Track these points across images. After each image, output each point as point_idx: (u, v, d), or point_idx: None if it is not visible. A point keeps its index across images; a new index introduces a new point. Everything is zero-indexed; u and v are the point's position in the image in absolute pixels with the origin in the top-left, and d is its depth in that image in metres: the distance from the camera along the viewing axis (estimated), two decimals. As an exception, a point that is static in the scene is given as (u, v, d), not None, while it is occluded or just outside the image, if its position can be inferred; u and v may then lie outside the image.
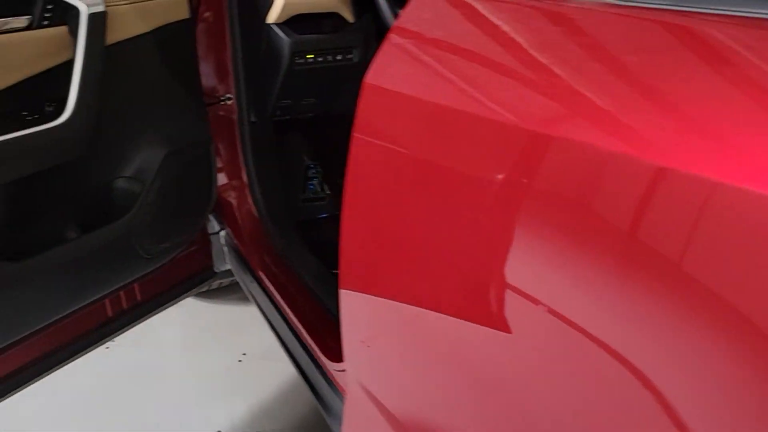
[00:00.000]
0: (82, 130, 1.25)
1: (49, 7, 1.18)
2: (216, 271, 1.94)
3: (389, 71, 0.80)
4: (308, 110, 1.82)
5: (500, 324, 0.65)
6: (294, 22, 1.58)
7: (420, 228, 0.77)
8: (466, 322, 0.71)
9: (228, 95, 1.76)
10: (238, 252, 1.88)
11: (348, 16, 1.61)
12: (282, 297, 1.64)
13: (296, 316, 1.54)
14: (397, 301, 0.85)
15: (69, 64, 1.21)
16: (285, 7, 1.54)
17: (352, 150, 0.83)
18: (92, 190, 1.41)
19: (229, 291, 2.36)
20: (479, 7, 0.78)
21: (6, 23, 1.13)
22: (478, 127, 0.69)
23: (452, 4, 0.81)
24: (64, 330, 1.44)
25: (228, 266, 1.96)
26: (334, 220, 2.13)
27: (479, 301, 0.68)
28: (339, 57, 1.64)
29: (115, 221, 1.41)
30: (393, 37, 0.81)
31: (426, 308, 0.80)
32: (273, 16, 1.55)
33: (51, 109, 1.23)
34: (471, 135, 0.70)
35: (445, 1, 0.82)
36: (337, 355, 1.39)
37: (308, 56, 1.61)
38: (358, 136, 0.82)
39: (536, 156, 0.59)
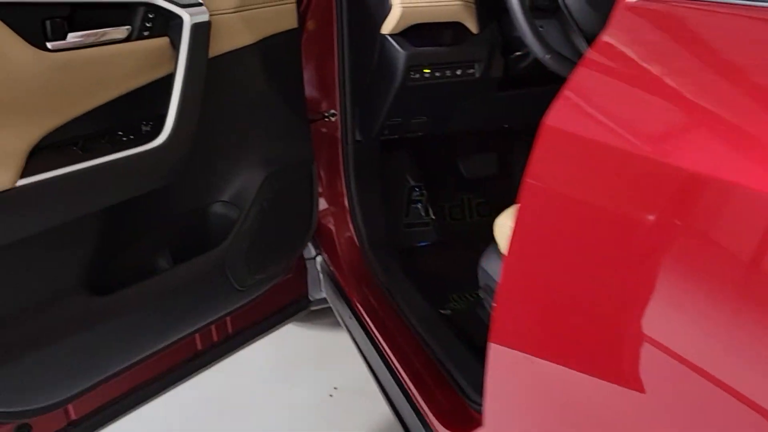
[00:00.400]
0: (181, 153, 1.12)
1: (151, 16, 1.06)
2: (311, 299, 1.80)
3: (577, 113, 0.61)
4: (418, 130, 1.65)
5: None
6: (410, 33, 1.41)
7: (602, 288, 0.65)
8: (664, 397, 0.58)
9: (332, 111, 1.61)
10: (335, 280, 1.73)
11: (472, 26, 1.42)
12: (382, 336, 1.47)
13: (399, 361, 1.37)
14: (565, 365, 0.70)
15: (168, 79, 1.09)
16: (403, 16, 1.37)
17: (523, 198, 0.67)
18: (186, 215, 1.29)
19: (321, 315, 2.22)
20: (702, 30, 0.58)
21: (104, 34, 1.01)
22: (699, 190, 0.52)
23: (664, 28, 0.61)
24: (150, 364, 1.33)
25: (323, 294, 1.82)
26: (438, 248, 1.96)
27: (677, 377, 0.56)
28: (459, 72, 1.45)
29: (210, 250, 1.28)
30: (584, 71, 0.62)
31: (604, 378, 0.66)
32: (389, 26, 1.39)
33: (148, 128, 1.11)
34: (690, 199, 0.53)
35: (655, 26, 0.62)
36: (449, 418, 1.20)
37: (425, 70, 1.43)
38: (531, 182, 0.65)
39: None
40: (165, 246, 1.26)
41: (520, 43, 1.39)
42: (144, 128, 1.11)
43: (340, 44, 1.52)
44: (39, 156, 0.95)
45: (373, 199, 1.69)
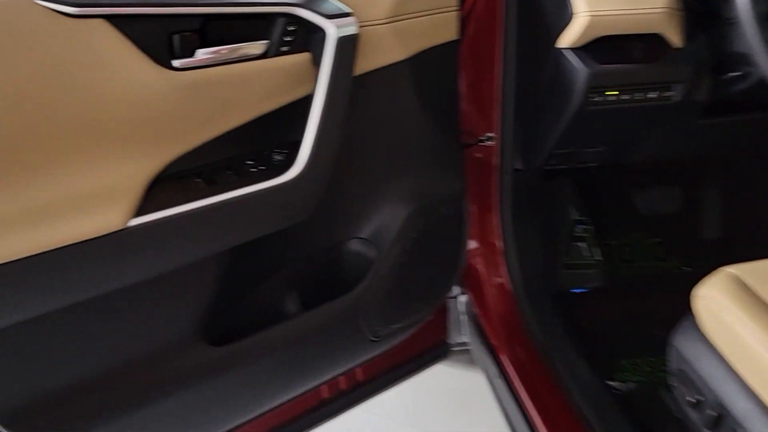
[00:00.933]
0: (318, 186, 0.96)
1: (291, 29, 0.90)
2: (450, 344, 1.59)
3: None
4: (593, 160, 1.38)
5: None
6: (594, 47, 1.15)
7: None
8: None
9: (489, 135, 1.39)
10: (480, 327, 1.51)
11: (674, 38, 1.14)
12: (535, 408, 1.23)
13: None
14: None
15: (307, 101, 0.93)
16: (589, 27, 1.12)
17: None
18: (318, 253, 1.13)
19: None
20: None
21: (239, 49, 0.87)
22: None
23: None
24: (269, 415, 1.19)
25: (465, 338, 1.61)
26: (604, 296, 1.67)
27: None
28: (653, 95, 1.17)
29: (343, 293, 1.11)
30: None
31: None
32: (568, 38, 1.14)
33: (281, 158, 0.95)
34: None
35: None
36: None
37: (609, 92, 1.17)
38: None
39: None
40: (293, 288, 1.11)
41: (741, 61, 1.09)
42: (276, 157, 0.96)
43: (505, 57, 1.30)
44: (157, 189, 0.83)
45: (530, 237, 1.45)
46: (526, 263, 1.41)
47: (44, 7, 0.70)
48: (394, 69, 1.05)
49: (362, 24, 0.97)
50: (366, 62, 1.00)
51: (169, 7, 0.79)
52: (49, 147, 0.73)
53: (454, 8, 1.14)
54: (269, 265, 1.07)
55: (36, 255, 0.73)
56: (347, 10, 0.93)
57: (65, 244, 0.74)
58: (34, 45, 0.70)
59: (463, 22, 1.36)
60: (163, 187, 0.83)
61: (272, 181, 0.91)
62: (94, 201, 0.77)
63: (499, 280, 1.41)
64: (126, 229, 0.78)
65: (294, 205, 0.95)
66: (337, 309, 1.10)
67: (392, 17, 1.02)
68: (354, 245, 1.16)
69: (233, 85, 0.87)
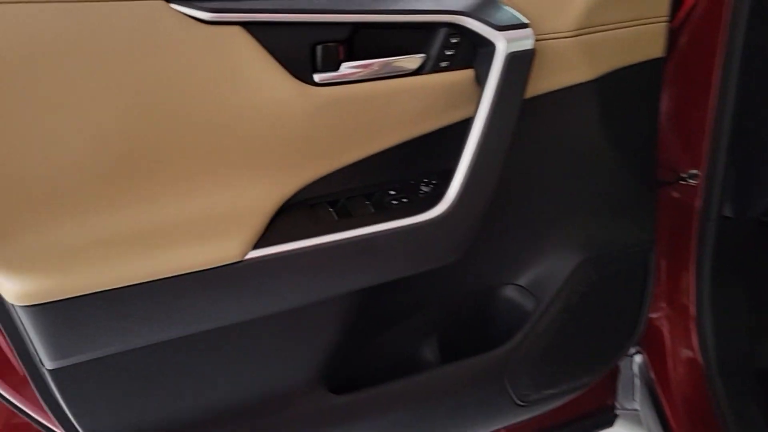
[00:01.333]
0: (469, 226, 0.82)
1: (453, 41, 0.77)
2: (617, 410, 1.35)
3: None
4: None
5: None
6: None
7: None
8: None
9: (693, 172, 1.14)
10: (656, 397, 1.26)
11: None
12: None
13: None
14: None
15: (464, 125, 0.79)
16: None
17: None
18: (464, 296, 0.99)
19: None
20: None
21: (391, 64, 0.75)
22: None
23: None
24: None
25: (636, 405, 1.36)
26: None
27: None
28: None
29: (490, 345, 0.96)
30: None
31: None
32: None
33: (428, 189, 0.82)
34: None
35: None
36: None
37: None
38: None
39: None
40: (431, 334, 0.98)
41: None
42: (423, 189, 0.83)
43: (725, 78, 1.05)
44: (283, 217, 0.74)
45: (732, 303, 1.17)
46: (723, 334, 1.14)
47: (178, 11, 0.63)
48: (575, 91, 0.87)
49: (541, 37, 0.80)
50: (541, 82, 0.84)
51: (314, 14, 0.69)
52: (172, 164, 0.66)
53: (664, 18, 0.92)
54: (405, 306, 0.94)
55: (147, 282, 0.67)
56: (523, 20, 0.77)
57: (178, 273, 0.67)
58: (165, 52, 0.64)
59: (673, 35, 1.12)
60: (289, 215, 0.74)
61: (416, 218, 0.78)
62: (214, 227, 0.69)
63: (687, 351, 1.16)
64: (245, 261, 0.70)
65: (440, 247, 0.81)
66: (480, 365, 0.95)
67: (581, 29, 0.84)
68: (508, 292, 1.00)
69: (381, 104, 0.76)
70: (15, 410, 0.83)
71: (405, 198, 0.80)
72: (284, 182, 0.73)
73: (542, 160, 0.91)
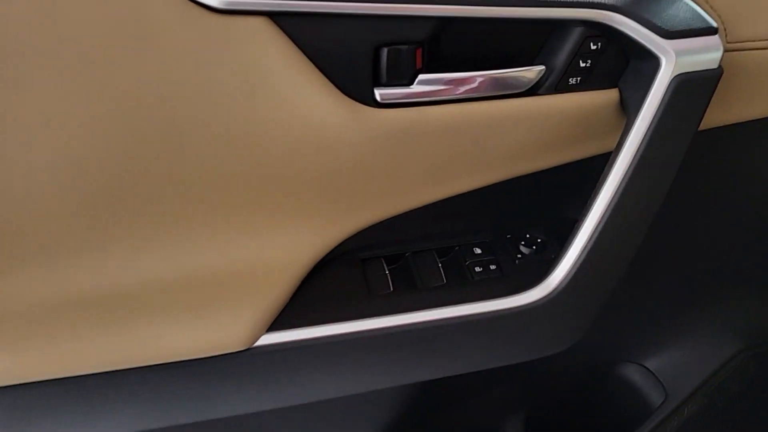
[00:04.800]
0: (591, 308, 0.58)
1: (593, 47, 0.51)
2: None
3: None
4: None
5: None
6: None
7: None
8: None
9: None
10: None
11: None
12: None
13: None
14: None
15: (593, 165, 0.55)
16: None
17: None
18: (567, 371, 0.75)
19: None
20: None
21: (494, 78, 0.51)
22: None
23: None
24: None
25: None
26: None
27: None
28: None
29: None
30: None
31: None
32: None
33: (529, 251, 0.59)
34: None
35: None
36: None
37: None
38: None
39: None
40: (516, 413, 0.76)
41: None
42: (523, 250, 0.59)
43: None
44: (319, 279, 0.54)
45: None
46: None
47: (180, -4, 0.43)
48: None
49: (732, 46, 0.52)
50: (725, 112, 0.56)
51: (379, 2, 0.45)
52: (163, 202, 0.47)
53: None
54: (481, 378, 0.73)
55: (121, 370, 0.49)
56: (711, 23, 0.49)
57: (162, 361, 0.49)
58: (159, 51, 0.43)
59: None
60: (328, 275, 0.54)
61: (509, 300, 0.55)
62: (216, 295, 0.50)
63: None
64: (254, 349, 0.51)
65: (541, 337, 0.58)
66: None
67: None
68: (627, 373, 0.75)
69: (476, 136, 0.52)
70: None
71: (494, 263, 0.57)
72: (323, 232, 0.52)
73: (708, 212, 0.64)
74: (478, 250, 0.58)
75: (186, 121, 0.45)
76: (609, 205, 0.53)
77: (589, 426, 0.75)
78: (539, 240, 0.59)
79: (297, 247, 0.51)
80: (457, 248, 0.59)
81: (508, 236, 0.60)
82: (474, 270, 0.57)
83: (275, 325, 0.51)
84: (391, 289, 0.55)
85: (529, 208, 0.61)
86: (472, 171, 0.54)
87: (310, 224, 0.51)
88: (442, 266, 0.57)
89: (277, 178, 0.49)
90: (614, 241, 0.53)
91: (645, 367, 0.74)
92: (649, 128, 0.51)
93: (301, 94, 0.46)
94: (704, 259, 0.67)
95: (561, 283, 0.54)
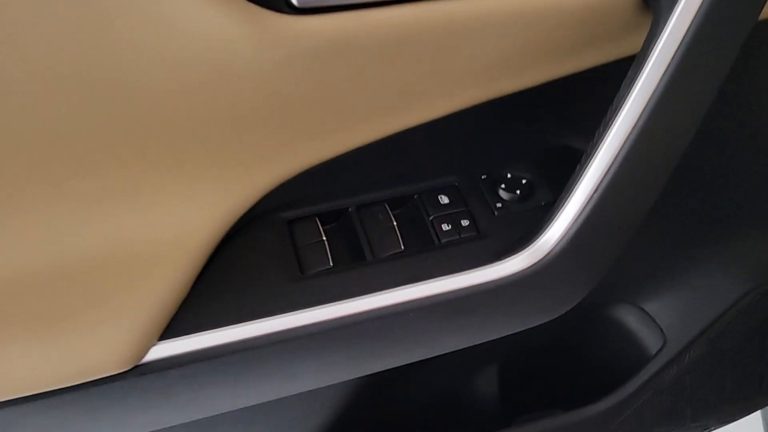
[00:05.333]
0: (600, 261, 0.45)
1: None
2: None
3: None
4: None
5: None
6: None
7: None
8: None
9: None
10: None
11: None
12: None
13: None
14: None
15: (602, 74, 0.40)
16: None
17: None
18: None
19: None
20: None
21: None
22: None
23: None
24: None
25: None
26: None
27: None
28: None
29: (591, 392, 0.64)
30: None
31: None
32: None
33: (510, 196, 0.45)
34: None
35: None
36: None
37: None
38: None
39: None
40: (489, 362, 0.65)
41: None
42: (503, 194, 0.45)
43: None
44: (229, 255, 0.40)
45: None
46: None
47: None
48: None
49: None
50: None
51: None
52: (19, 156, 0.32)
53: None
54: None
55: None
56: None
57: (23, 394, 0.36)
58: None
59: None
60: (239, 254, 0.40)
61: (492, 270, 0.42)
62: (85, 300, 0.36)
63: None
64: (141, 367, 0.37)
65: (532, 307, 0.45)
66: (580, 418, 0.62)
67: None
68: (623, 315, 0.65)
69: (437, 45, 0.37)
70: None
71: (466, 217, 0.43)
72: (229, 191, 0.38)
73: (738, 133, 0.51)
74: (444, 199, 0.44)
75: (43, 48, 0.29)
76: (631, 132, 0.38)
77: (576, 376, 0.65)
78: (524, 180, 0.45)
79: (193, 216, 0.37)
80: (415, 197, 0.44)
81: (483, 177, 0.45)
82: (440, 228, 0.43)
83: (170, 331, 0.37)
84: (331, 263, 0.41)
85: (510, 137, 0.46)
86: (435, 95, 0.39)
87: (209, 183, 0.36)
88: (397, 225, 0.43)
89: (157, 124, 0.33)
90: (635, 181, 0.40)
91: (642, 309, 0.63)
92: (693, 21, 0.36)
93: (189, 3, 0.30)
94: (718, 191, 0.54)
95: (557, 243, 0.41)
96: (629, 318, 0.66)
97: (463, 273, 0.40)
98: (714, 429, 0.71)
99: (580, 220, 0.40)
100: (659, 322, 0.64)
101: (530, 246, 0.42)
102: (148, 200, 0.36)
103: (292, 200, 0.43)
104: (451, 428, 0.64)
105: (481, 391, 0.68)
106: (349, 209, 0.44)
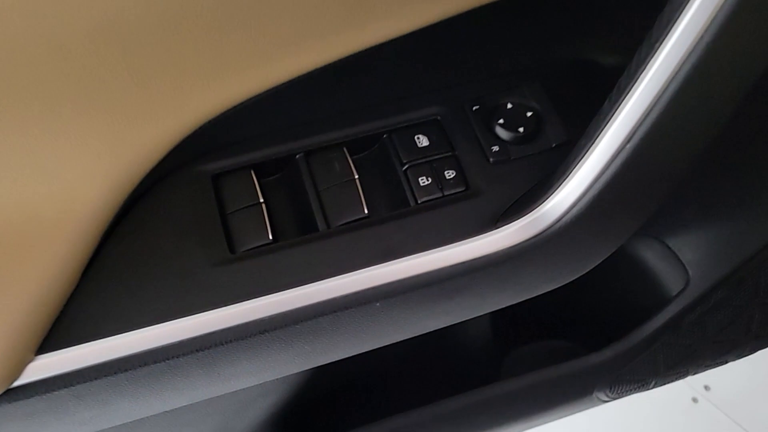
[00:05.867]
0: (613, 236, 0.35)
1: None
2: None
3: None
4: None
5: None
6: None
7: None
8: None
9: None
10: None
11: None
12: None
13: None
14: None
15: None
16: None
17: None
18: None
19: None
20: None
21: None
22: None
23: None
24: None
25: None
26: None
27: None
28: None
29: (610, 330, 0.58)
30: None
31: None
32: None
33: (510, 136, 0.34)
34: None
35: None
36: None
37: None
38: None
39: None
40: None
41: None
42: (501, 133, 0.34)
43: None
44: (133, 226, 0.30)
45: None
46: None
47: None
48: None
49: None
50: None
51: None
52: None
53: None
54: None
55: None
56: None
57: None
58: None
59: None
60: (147, 224, 0.30)
61: (486, 241, 0.31)
62: None
63: None
64: (20, 391, 0.28)
65: (536, 278, 0.35)
66: (587, 364, 0.56)
67: None
68: (643, 249, 0.56)
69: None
70: None
71: (451, 166, 0.33)
72: (129, 141, 0.28)
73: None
74: (422, 140, 0.33)
75: None
76: (691, 53, 0.27)
77: (590, 314, 0.58)
78: (529, 113, 0.34)
79: (77, 182, 0.27)
80: (384, 137, 0.33)
81: (475, 108, 0.34)
82: (417, 182, 0.32)
83: (52, 342, 0.27)
84: (270, 236, 0.31)
85: (510, 49, 0.34)
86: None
87: (95, 133, 0.26)
88: (359, 178, 0.32)
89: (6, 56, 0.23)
90: (687, 123, 0.28)
91: (665, 243, 0.54)
92: None
93: None
94: (759, 144, 0.42)
95: (574, 205, 0.30)
96: (649, 253, 0.57)
97: (447, 247, 0.30)
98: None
99: (608, 175, 0.29)
100: (683, 259, 0.55)
101: (538, 208, 0.31)
102: (7, 165, 0.26)
103: (218, 146, 0.32)
104: (455, 369, 0.58)
105: (484, 328, 0.60)
106: (297, 156, 0.33)
